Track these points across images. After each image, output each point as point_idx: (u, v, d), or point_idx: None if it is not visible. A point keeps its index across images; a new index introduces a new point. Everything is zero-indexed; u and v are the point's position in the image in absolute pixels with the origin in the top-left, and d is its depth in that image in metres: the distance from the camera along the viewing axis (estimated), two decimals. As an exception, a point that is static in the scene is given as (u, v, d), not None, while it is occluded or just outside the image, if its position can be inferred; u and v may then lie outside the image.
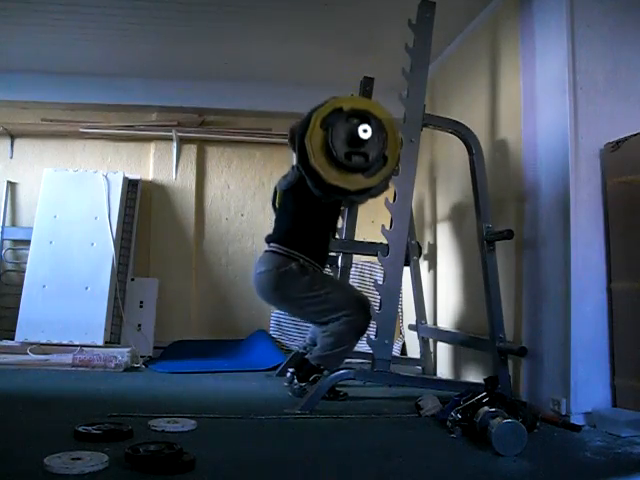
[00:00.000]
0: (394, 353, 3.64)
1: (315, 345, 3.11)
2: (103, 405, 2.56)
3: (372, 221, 4.54)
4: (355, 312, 2.94)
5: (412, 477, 1.78)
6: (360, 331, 2.99)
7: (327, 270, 3.76)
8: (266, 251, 3.13)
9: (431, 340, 3.91)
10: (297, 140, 2.51)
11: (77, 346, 3.86)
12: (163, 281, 4.59)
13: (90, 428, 2.02)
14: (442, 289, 3.92)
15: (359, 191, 2.58)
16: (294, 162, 3.09)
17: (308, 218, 3.07)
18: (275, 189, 3.36)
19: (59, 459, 1.68)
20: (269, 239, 3.17)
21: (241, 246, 4.87)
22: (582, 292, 2.46)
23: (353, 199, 2.89)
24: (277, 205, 3.34)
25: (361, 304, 3.01)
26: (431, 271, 4.10)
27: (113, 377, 3.45)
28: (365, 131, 2.39)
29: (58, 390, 3.04)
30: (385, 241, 2.77)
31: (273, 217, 4.34)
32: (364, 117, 2.44)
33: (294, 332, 4.61)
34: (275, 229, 3.23)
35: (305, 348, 3.33)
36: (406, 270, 3.67)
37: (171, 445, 1.78)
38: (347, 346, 2.98)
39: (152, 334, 4.35)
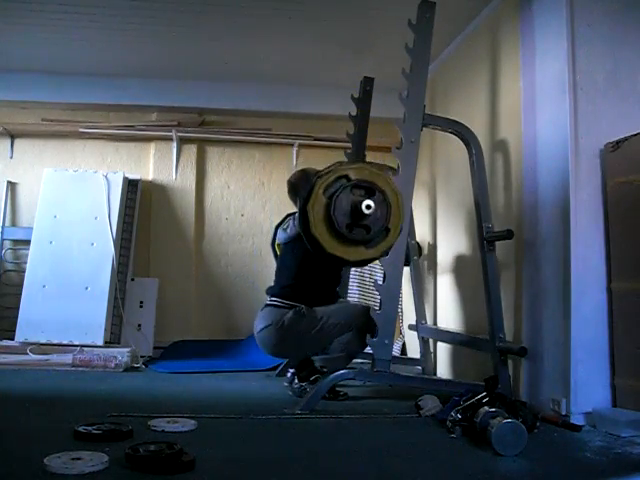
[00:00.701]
0: (394, 353, 3.63)
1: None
2: (103, 405, 2.56)
3: (372, 221, 4.53)
4: (360, 324, 2.98)
5: (412, 477, 1.78)
6: (365, 343, 3.00)
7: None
8: (267, 305, 3.16)
9: (431, 340, 3.91)
10: (299, 205, 2.52)
11: (77, 346, 3.86)
12: (163, 281, 4.58)
13: (90, 428, 2.02)
14: (442, 289, 3.92)
15: (359, 262, 2.61)
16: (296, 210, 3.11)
17: (308, 273, 3.10)
18: (275, 233, 3.39)
19: (59, 459, 1.68)
20: (270, 292, 3.22)
21: (241, 246, 4.87)
22: (582, 292, 2.46)
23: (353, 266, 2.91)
24: (277, 253, 3.39)
25: (364, 317, 3.01)
26: (431, 271, 4.10)
27: (113, 377, 3.45)
28: (368, 207, 2.39)
29: (58, 390, 3.04)
30: (385, 241, 2.77)
31: (273, 218, 4.36)
32: (369, 189, 2.45)
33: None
34: (275, 282, 3.28)
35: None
36: (406, 270, 3.67)
37: (171, 445, 1.78)
38: (352, 352, 3.04)
39: (152, 334, 4.35)
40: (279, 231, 3.33)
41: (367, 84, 3.82)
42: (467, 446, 2.08)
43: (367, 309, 3.13)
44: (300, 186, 3.20)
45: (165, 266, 4.68)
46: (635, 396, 2.34)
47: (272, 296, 3.16)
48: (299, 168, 3.41)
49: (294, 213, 3.16)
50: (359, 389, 3.11)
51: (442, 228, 3.98)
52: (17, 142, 4.75)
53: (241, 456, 1.91)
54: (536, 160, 2.79)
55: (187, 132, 4.81)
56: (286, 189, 3.38)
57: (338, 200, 2.40)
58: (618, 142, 2.48)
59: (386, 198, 2.45)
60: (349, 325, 3.01)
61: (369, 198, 2.40)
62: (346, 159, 3.84)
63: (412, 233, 3.87)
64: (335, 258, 2.48)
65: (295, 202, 3.29)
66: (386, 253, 2.63)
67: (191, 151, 4.87)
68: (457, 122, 3.02)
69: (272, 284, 3.29)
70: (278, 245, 3.37)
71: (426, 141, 3.92)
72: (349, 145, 3.89)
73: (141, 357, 3.97)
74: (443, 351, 3.81)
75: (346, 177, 2.45)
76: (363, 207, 2.38)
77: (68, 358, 3.68)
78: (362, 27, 3.73)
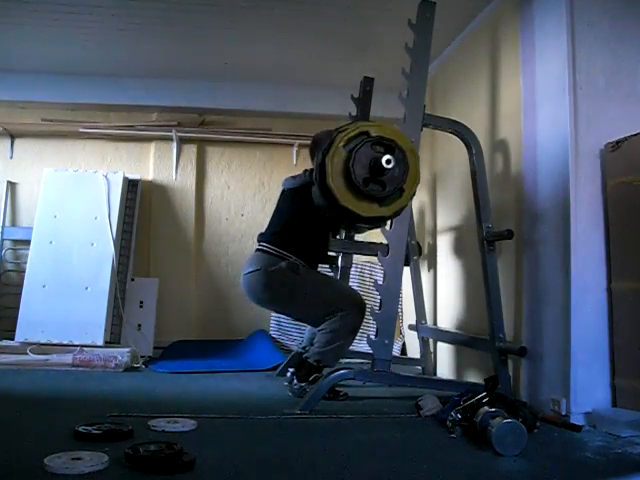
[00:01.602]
0: (394, 353, 3.63)
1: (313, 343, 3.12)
2: (103, 405, 2.56)
3: (372, 221, 4.54)
4: (350, 310, 2.98)
5: (412, 477, 1.78)
6: (355, 328, 3.03)
7: (326, 270, 3.78)
8: (256, 250, 3.15)
9: (431, 340, 3.91)
10: (318, 156, 2.52)
11: (77, 346, 3.86)
12: (163, 281, 4.58)
13: (90, 428, 2.02)
14: (442, 289, 3.92)
15: (370, 218, 2.57)
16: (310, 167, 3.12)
17: (303, 222, 3.09)
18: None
19: (59, 459, 1.68)
20: (260, 238, 3.20)
21: (241, 246, 4.87)
22: (582, 292, 2.46)
23: (361, 226, 2.87)
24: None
25: (355, 302, 3.05)
26: (431, 271, 4.10)
27: (113, 377, 3.45)
28: (388, 162, 2.39)
29: (58, 390, 3.04)
30: (385, 241, 2.77)
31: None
32: (389, 147, 2.45)
33: (294, 332, 4.61)
34: (267, 228, 3.26)
35: (304, 348, 3.33)
36: (406, 270, 3.67)
37: (171, 445, 1.78)
38: (343, 342, 3.01)
39: (152, 334, 4.35)
40: (287, 178, 3.31)
41: (367, 84, 3.82)
42: (467, 446, 2.08)
43: (358, 295, 3.12)
44: (322, 142, 3.19)
45: (165, 266, 4.68)
46: (635, 396, 2.34)
47: (262, 241, 3.14)
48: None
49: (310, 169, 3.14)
50: (359, 389, 3.11)
51: (442, 228, 3.99)
52: (17, 142, 4.75)
53: (241, 456, 1.91)
54: (536, 160, 2.79)
55: (187, 132, 4.81)
56: (308, 147, 3.32)
57: (358, 153, 2.41)
58: (618, 142, 2.48)
59: (405, 157, 2.46)
60: (339, 306, 2.97)
61: (389, 154, 2.40)
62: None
63: (412, 233, 3.87)
64: (347, 212, 2.48)
65: (313, 158, 3.22)
66: (397, 213, 2.62)
67: (191, 151, 4.87)
68: (457, 122, 3.03)
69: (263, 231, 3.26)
70: (279, 199, 3.34)
71: (426, 141, 3.92)
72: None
73: (141, 357, 3.96)
74: (443, 351, 3.81)
75: (367, 133, 2.46)
76: (383, 161, 2.39)
77: (68, 358, 3.68)
78: (362, 27, 3.73)
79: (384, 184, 2.43)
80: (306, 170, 3.21)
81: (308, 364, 2.99)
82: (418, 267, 3.96)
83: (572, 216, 2.49)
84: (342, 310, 2.97)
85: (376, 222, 2.67)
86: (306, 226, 3.08)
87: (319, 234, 3.16)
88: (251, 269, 3.07)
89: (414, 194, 2.56)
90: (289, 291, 3.03)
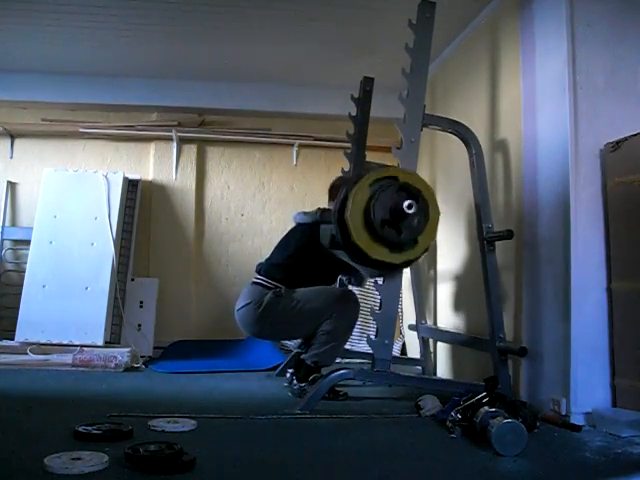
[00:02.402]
0: (394, 353, 3.63)
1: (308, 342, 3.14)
2: (103, 405, 2.56)
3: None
4: (341, 311, 3.00)
5: (412, 477, 1.78)
6: (350, 325, 3.06)
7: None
8: (252, 282, 3.18)
9: (431, 340, 3.91)
10: (341, 191, 2.54)
11: (77, 346, 3.86)
12: (163, 281, 4.58)
13: (90, 428, 2.02)
14: (442, 289, 3.92)
15: (378, 262, 2.57)
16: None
17: (307, 258, 3.11)
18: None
19: (59, 459, 1.68)
20: (258, 268, 3.22)
21: (241, 246, 4.87)
22: (582, 292, 2.46)
23: (366, 270, 2.86)
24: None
25: (345, 302, 3.05)
26: (431, 271, 4.10)
27: (113, 377, 3.45)
28: (410, 206, 2.41)
29: (58, 390, 3.04)
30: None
31: (273, 218, 4.35)
32: (414, 195, 2.46)
33: (294, 332, 4.60)
34: (268, 259, 3.28)
35: (300, 347, 3.33)
36: (406, 270, 3.66)
37: (171, 445, 1.78)
38: (339, 341, 3.04)
39: (152, 334, 4.35)
40: (299, 213, 3.33)
41: (367, 84, 3.81)
42: (467, 446, 2.08)
43: (346, 292, 3.13)
44: (340, 187, 3.24)
45: (165, 266, 4.68)
46: (635, 396, 2.34)
47: (259, 273, 3.16)
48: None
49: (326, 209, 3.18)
50: (359, 389, 3.11)
51: (442, 228, 3.94)
52: (17, 142, 4.75)
53: (241, 456, 1.91)
54: (536, 160, 2.79)
55: (187, 132, 4.81)
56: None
57: (382, 194, 2.42)
58: (618, 142, 2.48)
59: (427, 210, 2.48)
60: (329, 311, 2.99)
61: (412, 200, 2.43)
62: (346, 159, 3.84)
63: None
64: (357, 249, 2.49)
65: (330, 199, 3.28)
66: (407, 264, 2.64)
67: (191, 151, 4.87)
68: (457, 122, 3.02)
69: (263, 261, 3.27)
70: (292, 228, 3.35)
71: (426, 141, 3.92)
72: (349, 145, 3.89)
73: (141, 357, 3.97)
74: (443, 351, 3.81)
75: (395, 178, 2.47)
76: (404, 205, 2.40)
77: (68, 358, 3.68)
78: (362, 27, 3.72)
79: (400, 230, 2.44)
80: (319, 208, 3.24)
81: (306, 365, 3.00)
82: (418, 267, 3.96)
83: (572, 216, 2.49)
84: (334, 312, 2.99)
85: (384, 267, 2.65)
86: (309, 262, 3.11)
87: (320, 273, 3.17)
88: (242, 304, 3.12)
89: (427, 249, 2.57)
90: (279, 319, 3.05)
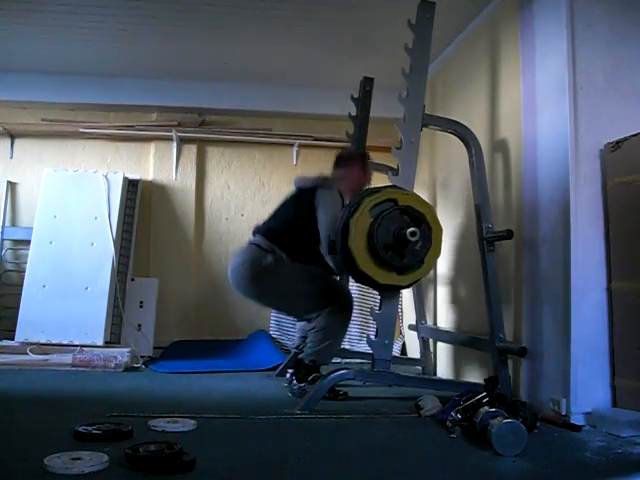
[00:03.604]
0: (394, 353, 3.63)
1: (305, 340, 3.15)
2: (103, 405, 2.56)
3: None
4: (337, 305, 2.98)
5: (412, 477, 1.78)
6: (344, 323, 3.04)
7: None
8: (249, 243, 3.15)
9: (431, 340, 3.91)
10: (343, 216, 2.55)
11: (77, 346, 3.86)
12: (163, 281, 4.58)
13: (90, 428, 2.02)
14: (442, 289, 3.92)
15: (386, 286, 2.59)
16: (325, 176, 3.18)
17: (305, 222, 3.04)
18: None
19: (59, 459, 1.68)
20: (255, 230, 3.19)
21: (241, 246, 4.87)
22: (582, 292, 2.46)
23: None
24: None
25: (342, 297, 3.05)
26: (431, 271, 4.09)
27: (113, 377, 3.45)
28: (413, 234, 2.41)
29: (58, 390, 3.04)
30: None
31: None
32: (417, 219, 2.47)
33: (294, 332, 4.60)
34: (266, 221, 3.23)
35: (298, 347, 3.33)
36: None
37: (171, 445, 1.78)
38: (334, 339, 3.02)
39: (152, 334, 4.35)
40: (300, 177, 3.31)
41: (367, 84, 3.82)
42: (467, 446, 2.08)
43: (345, 288, 3.09)
44: (346, 159, 3.28)
45: (165, 266, 4.68)
46: (635, 396, 2.34)
47: (257, 234, 3.14)
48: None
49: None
50: (359, 389, 3.11)
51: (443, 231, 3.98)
52: (17, 142, 4.75)
53: (241, 456, 1.91)
54: (536, 160, 2.79)
55: (187, 132, 4.81)
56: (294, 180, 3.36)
57: (385, 219, 2.43)
58: (618, 142, 2.48)
59: (430, 234, 2.49)
60: (326, 301, 2.96)
61: (415, 227, 2.43)
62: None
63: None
64: (365, 276, 2.51)
65: (334, 169, 3.30)
66: (415, 282, 2.66)
67: (191, 151, 4.87)
68: (457, 122, 3.03)
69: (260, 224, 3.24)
70: (292, 192, 3.30)
71: (426, 141, 3.92)
72: (349, 145, 3.89)
73: (141, 357, 3.97)
74: (443, 351, 3.81)
75: (394, 201, 2.47)
76: (407, 233, 2.41)
77: (68, 358, 3.67)
78: (362, 27, 3.73)
79: (403, 255, 2.45)
80: (321, 174, 3.22)
81: (304, 364, 3.00)
82: (418, 267, 3.95)
83: (572, 216, 2.49)
84: (329, 306, 2.97)
85: (393, 290, 2.67)
86: (307, 226, 3.06)
87: (317, 239, 3.14)
88: (239, 261, 3.09)
89: (432, 267, 2.58)
90: (274, 284, 3.02)
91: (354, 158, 3.32)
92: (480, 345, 3.11)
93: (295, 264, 3.03)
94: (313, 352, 3.00)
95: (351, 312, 3.09)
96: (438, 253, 2.58)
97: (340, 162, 3.30)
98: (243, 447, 2.04)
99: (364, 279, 2.57)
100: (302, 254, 3.05)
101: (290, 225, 3.09)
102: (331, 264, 2.97)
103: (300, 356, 3.07)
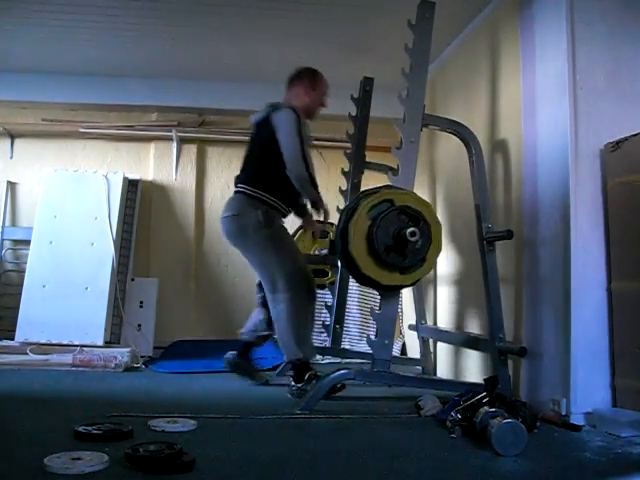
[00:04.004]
0: (394, 353, 3.63)
1: (256, 329, 3.21)
2: (103, 405, 2.56)
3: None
4: (296, 292, 2.92)
5: (412, 477, 1.78)
6: (305, 309, 2.96)
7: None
8: (235, 192, 3.12)
9: (431, 340, 3.91)
10: (341, 220, 2.54)
11: (77, 346, 3.86)
12: (163, 281, 4.58)
13: (90, 428, 2.02)
14: (442, 289, 3.92)
15: (390, 287, 2.59)
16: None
17: (272, 155, 2.97)
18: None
19: (59, 459, 1.68)
20: (237, 180, 3.16)
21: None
22: (582, 292, 2.46)
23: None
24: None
25: (303, 283, 2.97)
26: (431, 271, 4.09)
27: (113, 377, 3.45)
28: (413, 234, 2.41)
29: (58, 390, 3.04)
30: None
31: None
32: (415, 218, 2.47)
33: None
34: (242, 170, 3.19)
35: (254, 334, 3.29)
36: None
37: (171, 445, 1.78)
38: (303, 330, 2.95)
39: (152, 334, 4.35)
40: (252, 115, 3.22)
41: (367, 84, 3.81)
42: (467, 446, 2.08)
43: (310, 285, 3.01)
44: (292, 78, 3.23)
45: (165, 266, 4.68)
46: (635, 396, 2.34)
47: (239, 183, 3.11)
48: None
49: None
50: (359, 389, 3.11)
51: (442, 228, 3.98)
52: (17, 142, 4.75)
53: (241, 456, 1.91)
54: (536, 160, 2.79)
55: (187, 132, 4.81)
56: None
57: (383, 221, 2.43)
58: (618, 142, 2.48)
59: (429, 231, 2.49)
60: (285, 286, 2.90)
61: (414, 226, 2.43)
62: (346, 159, 3.84)
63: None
64: (369, 279, 2.51)
65: (285, 93, 3.25)
66: (419, 280, 2.66)
67: (191, 151, 4.87)
68: (457, 122, 3.02)
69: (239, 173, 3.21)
70: (250, 138, 3.24)
71: (426, 141, 3.92)
72: (349, 145, 3.89)
73: (141, 357, 3.97)
74: (443, 351, 3.81)
75: (390, 201, 2.47)
76: (407, 233, 2.40)
77: (68, 358, 3.68)
78: (362, 27, 3.73)
79: (405, 255, 2.46)
80: (272, 103, 3.13)
81: (292, 365, 2.99)
82: (418, 267, 3.95)
83: (572, 216, 2.49)
84: (286, 291, 2.90)
85: (397, 290, 2.68)
86: (275, 155, 2.96)
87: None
88: (227, 213, 3.07)
89: (434, 264, 2.59)
90: (255, 245, 3.00)
91: (301, 75, 3.23)
92: (480, 345, 3.11)
93: (282, 231, 3.03)
94: (289, 351, 2.95)
95: (311, 301, 3.01)
96: (439, 250, 2.58)
97: (289, 83, 3.24)
98: (243, 447, 2.03)
99: (368, 282, 2.58)
100: (282, 188, 3.00)
101: (263, 162, 3.05)
102: (300, 189, 2.96)
103: (284, 359, 3.08)
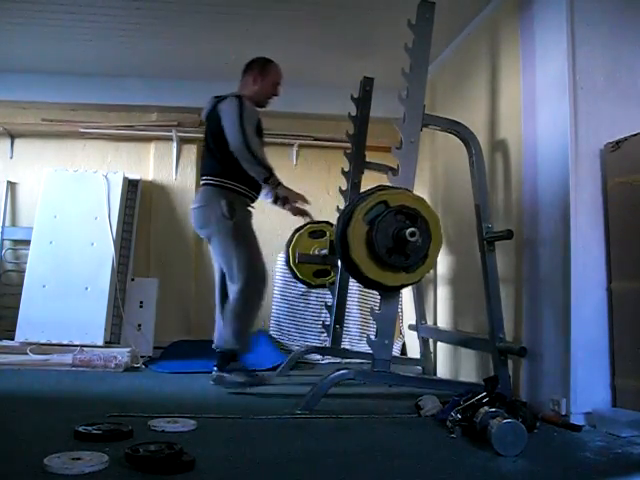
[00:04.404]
0: (394, 353, 3.64)
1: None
2: (103, 405, 2.57)
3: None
4: (248, 285, 3.03)
5: (412, 477, 1.78)
6: (252, 303, 3.09)
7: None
8: (202, 185, 3.21)
9: (431, 340, 3.91)
10: (338, 230, 2.55)
11: (77, 346, 3.86)
12: (163, 281, 4.58)
13: (90, 428, 2.02)
14: (442, 289, 3.92)
15: (397, 287, 2.60)
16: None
17: (224, 148, 3.07)
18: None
19: (59, 459, 1.68)
20: (201, 173, 3.26)
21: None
22: (582, 292, 2.46)
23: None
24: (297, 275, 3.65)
25: (257, 276, 3.08)
26: (431, 271, 4.10)
27: (113, 377, 3.45)
28: (412, 234, 2.41)
29: (58, 390, 3.04)
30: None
31: (272, 217, 4.34)
32: (412, 216, 2.47)
33: (294, 332, 4.61)
34: (204, 163, 3.30)
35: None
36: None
37: (171, 445, 1.78)
38: (243, 320, 3.07)
39: (152, 334, 4.35)
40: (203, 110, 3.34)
41: (367, 84, 3.82)
42: (467, 446, 2.08)
43: (263, 279, 3.12)
44: (245, 67, 3.35)
45: (165, 266, 4.68)
46: (635, 396, 2.34)
47: (204, 175, 3.21)
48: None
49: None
50: (359, 389, 3.11)
51: (442, 228, 3.97)
52: (17, 142, 4.76)
53: (241, 456, 1.91)
54: (536, 160, 2.79)
55: (187, 132, 4.81)
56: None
57: (381, 223, 2.43)
58: (618, 142, 2.48)
59: (428, 227, 2.49)
60: (243, 279, 3.02)
61: (412, 225, 2.43)
62: (346, 159, 3.84)
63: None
64: (373, 282, 2.51)
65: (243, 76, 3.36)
66: (423, 277, 2.66)
67: (191, 151, 4.87)
68: (457, 122, 3.02)
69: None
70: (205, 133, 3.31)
71: (426, 141, 3.92)
72: (349, 145, 3.89)
73: (141, 357, 3.97)
74: (443, 351, 3.81)
75: (385, 203, 2.48)
76: (407, 234, 2.41)
77: (68, 358, 3.68)
78: (362, 27, 3.73)
79: (407, 255, 2.46)
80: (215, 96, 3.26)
81: (223, 353, 3.11)
82: (418, 267, 3.95)
83: (572, 216, 2.49)
84: (240, 282, 3.02)
85: (404, 287, 2.70)
86: (225, 147, 3.06)
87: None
88: (195, 205, 3.20)
89: (437, 258, 2.60)
90: (218, 234, 3.10)
91: (252, 64, 3.35)
92: (480, 345, 3.11)
93: (245, 223, 3.12)
94: (227, 340, 3.08)
95: (260, 297, 3.12)
96: (440, 244, 2.58)
97: (242, 73, 3.36)
98: (243, 447, 2.03)
99: (373, 285, 2.58)
100: (243, 173, 3.08)
101: (220, 152, 3.11)
102: (248, 170, 3.04)
103: (214, 347, 3.18)
